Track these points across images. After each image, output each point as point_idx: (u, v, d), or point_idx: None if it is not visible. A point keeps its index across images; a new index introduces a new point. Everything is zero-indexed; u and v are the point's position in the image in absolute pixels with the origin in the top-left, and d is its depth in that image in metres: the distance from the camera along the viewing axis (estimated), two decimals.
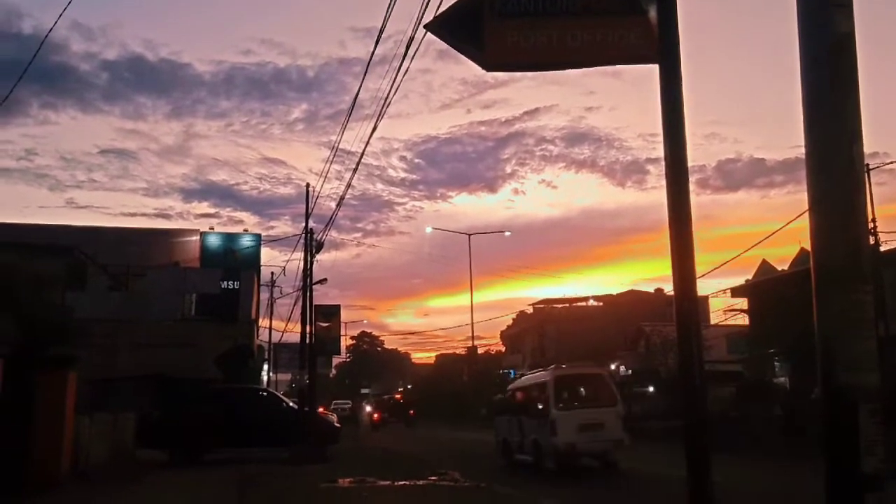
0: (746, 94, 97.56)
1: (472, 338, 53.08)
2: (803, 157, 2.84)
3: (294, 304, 36.62)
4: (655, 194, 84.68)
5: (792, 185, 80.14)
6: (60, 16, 10.09)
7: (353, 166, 17.28)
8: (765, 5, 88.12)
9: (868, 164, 19.00)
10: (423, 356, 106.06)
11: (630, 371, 41.18)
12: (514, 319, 66.12)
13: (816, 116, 2.78)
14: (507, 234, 66.44)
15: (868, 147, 2.85)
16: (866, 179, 3.36)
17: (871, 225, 20.24)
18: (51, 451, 12.48)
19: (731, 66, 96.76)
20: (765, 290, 31.78)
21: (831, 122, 2.74)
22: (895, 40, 73.48)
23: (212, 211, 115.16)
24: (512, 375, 61.81)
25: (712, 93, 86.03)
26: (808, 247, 3.00)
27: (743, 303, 34.53)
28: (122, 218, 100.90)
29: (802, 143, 2.84)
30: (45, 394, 12.65)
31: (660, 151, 3.65)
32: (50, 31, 10.68)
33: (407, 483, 13.69)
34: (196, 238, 45.16)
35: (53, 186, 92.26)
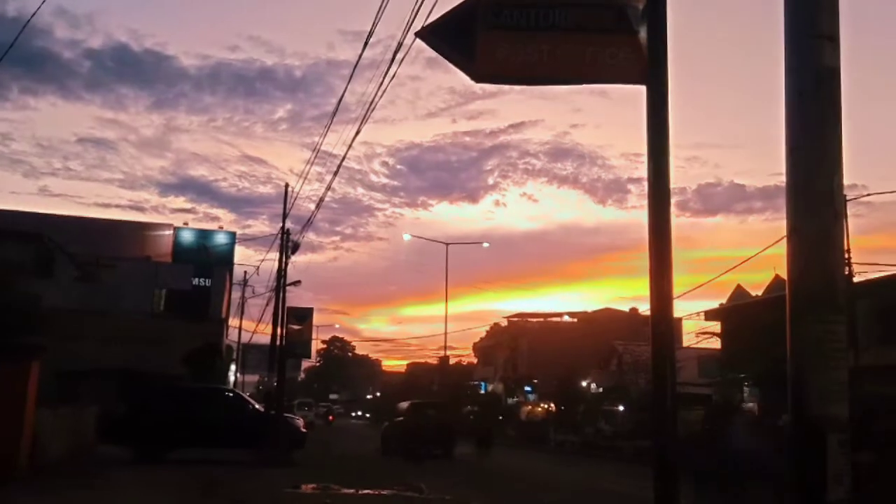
0: (729, 120, 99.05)
1: (445, 348, 53.06)
2: (782, 185, 2.86)
3: (266, 305, 36.40)
4: (635, 214, 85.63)
5: (770, 212, 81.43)
6: (44, 1, 9.94)
7: (335, 169, 17.23)
8: (752, 34, 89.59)
9: (846, 196, 19.29)
10: (394, 364, 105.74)
11: (601, 389, 41.35)
12: (487, 331, 66.25)
13: (799, 147, 2.81)
14: (486, 245, 66.67)
15: (847, 179, 2.88)
16: (845, 211, 3.40)
17: (846, 256, 20.55)
18: (9, 444, 12.21)
19: (716, 92, 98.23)
20: (738, 314, 32.11)
21: (813, 153, 2.77)
22: (877, 74, 75.01)
23: (188, 206, 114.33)
24: (483, 388, 61.93)
25: (696, 117, 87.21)
26: (783, 274, 3.02)
27: (716, 326, 34.85)
28: (95, 208, 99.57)
29: (782, 171, 2.87)
30: (5, 384, 12.38)
31: (642, 171, 3.68)
32: (33, 15, 10.51)
33: (371, 492, 13.59)
34: (169, 233, 44.67)
35: (28, 173, 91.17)
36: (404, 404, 30.09)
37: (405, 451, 23.43)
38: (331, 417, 57.38)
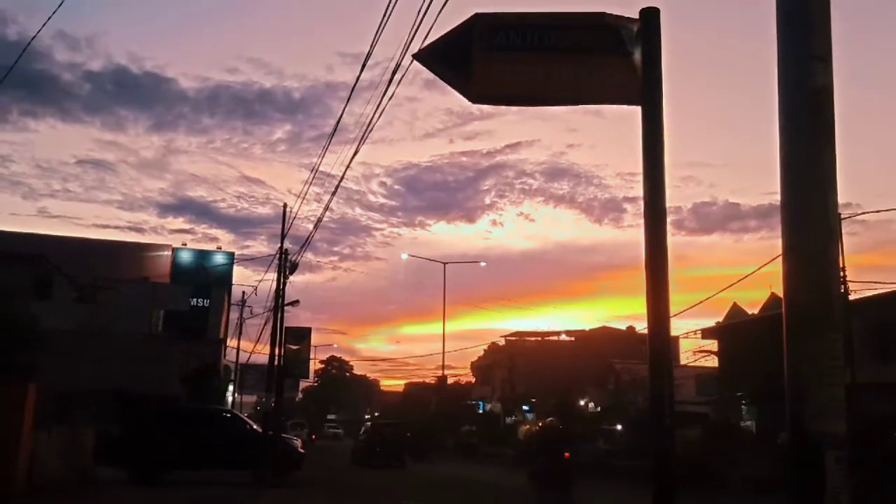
0: (723, 140, 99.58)
1: (443, 367, 52.92)
2: (777, 203, 2.88)
3: (264, 325, 36.28)
4: (631, 233, 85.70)
5: (765, 230, 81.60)
6: (44, 24, 10.03)
7: (333, 189, 17.25)
8: (746, 54, 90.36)
9: (840, 214, 19.35)
10: (392, 384, 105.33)
11: (599, 408, 41.17)
12: (485, 351, 66.00)
13: (793, 166, 2.83)
14: (483, 264, 66.44)
15: (841, 198, 2.90)
16: (839, 229, 3.42)
17: (841, 274, 20.56)
18: (6, 464, 12.14)
19: (710, 112, 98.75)
20: (735, 333, 32.10)
21: (807, 171, 2.80)
22: (870, 92, 75.58)
23: (187, 227, 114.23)
24: (481, 407, 61.63)
25: (690, 136, 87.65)
26: (779, 292, 3.03)
27: (713, 344, 34.81)
28: (94, 229, 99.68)
29: (776, 189, 2.89)
30: (2, 405, 12.34)
31: (637, 191, 3.70)
32: (33, 38, 10.59)
33: None
34: (168, 253, 44.68)
35: (27, 194, 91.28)
36: (367, 424, 36.47)
37: (366, 462, 28.98)
38: (313, 437, 57.80)
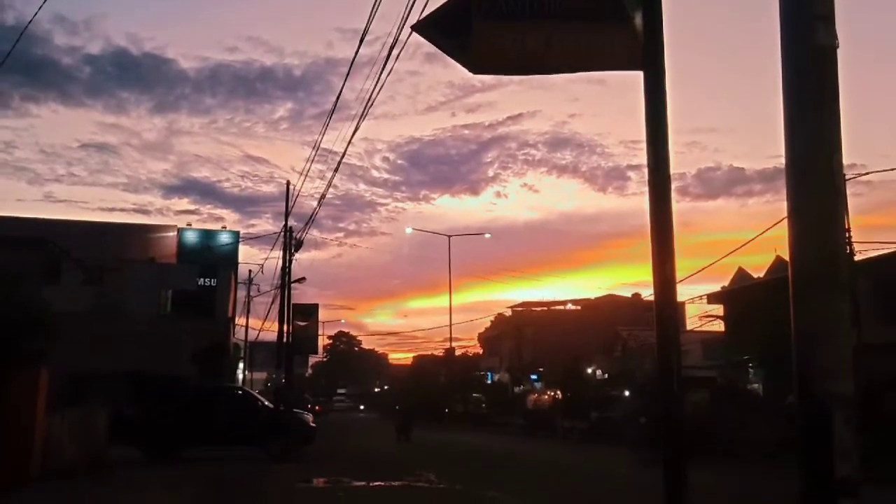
0: (727, 104, 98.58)
1: (450, 339, 53.17)
2: (781, 166, 2.87)
3: (272, 303, 36.47)
4: (636, 200, 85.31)
5: (770, 194, 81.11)
6: (41, 7, 9.96)
7: (335, 165, 17.24)
8: (748, 15, 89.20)
9: (845, 175, 19.23)
10: (400, 357, 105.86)
11: (606, 375, 41.39)
12: (492, 322, 66.25)
13: (797, 127, 2.82)
14: (488, 236, 66.31)
15: (846, 158, 2.89)
16: (844, 190, 3.41)
17: (847, 235, 20.50)
18: (22, 449, 12.28)
19: (713, 76, 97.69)
20: (740, 297, 32.12)
21: (812, 133, 2.78)
22: (874, 52, 74.68)
23: (192, 208, 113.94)
24: (490, 378, 62.02)
25: (694, 101, 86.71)
26: (784, 255, 3.04)
27: (719, 309, 34.87)
28: (100, 213, 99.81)
29: (780, 153, 2.88)
30: (16, 390, 12.45)
31: (641, 158, 3.69)
32: (30, 22, 10.54)
33: (382, 484, 13.68)
34: (173, 234, 44.68)
35: (32, 180, 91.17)
36: None
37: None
38: (318, 408, 58.46)
